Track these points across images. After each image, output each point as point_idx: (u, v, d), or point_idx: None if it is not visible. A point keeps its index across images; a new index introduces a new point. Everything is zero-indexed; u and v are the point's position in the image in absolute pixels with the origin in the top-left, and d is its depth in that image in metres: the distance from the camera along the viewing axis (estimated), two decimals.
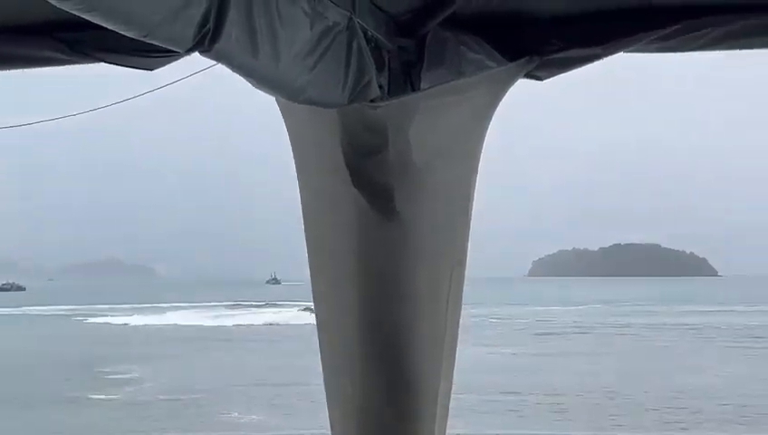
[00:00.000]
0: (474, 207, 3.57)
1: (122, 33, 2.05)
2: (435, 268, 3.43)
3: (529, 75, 3.62)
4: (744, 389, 39.87)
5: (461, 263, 3.52)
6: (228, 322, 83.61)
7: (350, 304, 3.37)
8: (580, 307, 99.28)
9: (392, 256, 3.34)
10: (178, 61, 3.44)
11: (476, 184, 3.57)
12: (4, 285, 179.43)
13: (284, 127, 3.46)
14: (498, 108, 3.59)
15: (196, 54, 2.29)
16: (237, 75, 2.51)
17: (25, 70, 3.90)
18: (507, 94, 3.61)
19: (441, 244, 3.45)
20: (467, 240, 3.56)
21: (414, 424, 3.37)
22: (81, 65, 3.77)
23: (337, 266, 3.41)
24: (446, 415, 3.49)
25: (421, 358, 3.37)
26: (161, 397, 39.96)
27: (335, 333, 3.45)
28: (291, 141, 3.48)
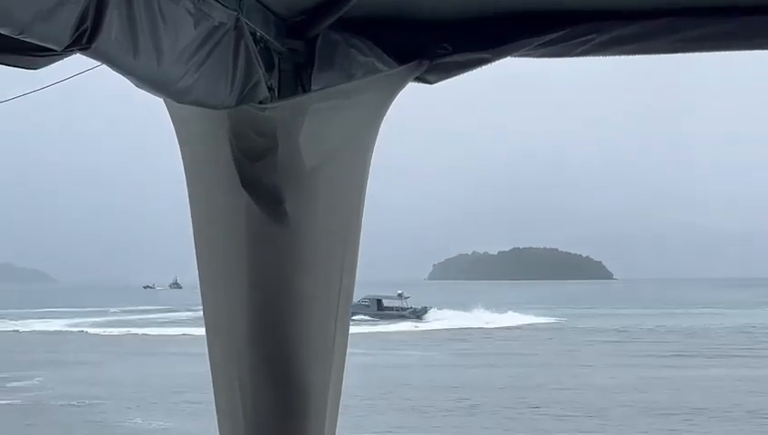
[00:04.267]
0: (365, 211, 3.55)
1: None
2: (325, 272, 3.39)
3: (419, 79, 3.63)
4: None
5: (351, 267, 3.49)
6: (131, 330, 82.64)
7: (239, 309, 3.31)
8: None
9: (282, 259, 3.30)
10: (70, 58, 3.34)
11: (367, 188, 3.56)
12: None
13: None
14: (394, 112, 3.59)
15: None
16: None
17: None
18: (399, 97, 3.61)
19: (331, 248, 3.41)
20: (358, 244, 3.53)
21: (304, 432, 3.33)
22: None
23: (226, 271, 3.35)
24: (336, 423, 3.46)
25: (311, 364, 3.33)
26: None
27: (224, 340, 3.38)
28: (179, 143, 3.41)
